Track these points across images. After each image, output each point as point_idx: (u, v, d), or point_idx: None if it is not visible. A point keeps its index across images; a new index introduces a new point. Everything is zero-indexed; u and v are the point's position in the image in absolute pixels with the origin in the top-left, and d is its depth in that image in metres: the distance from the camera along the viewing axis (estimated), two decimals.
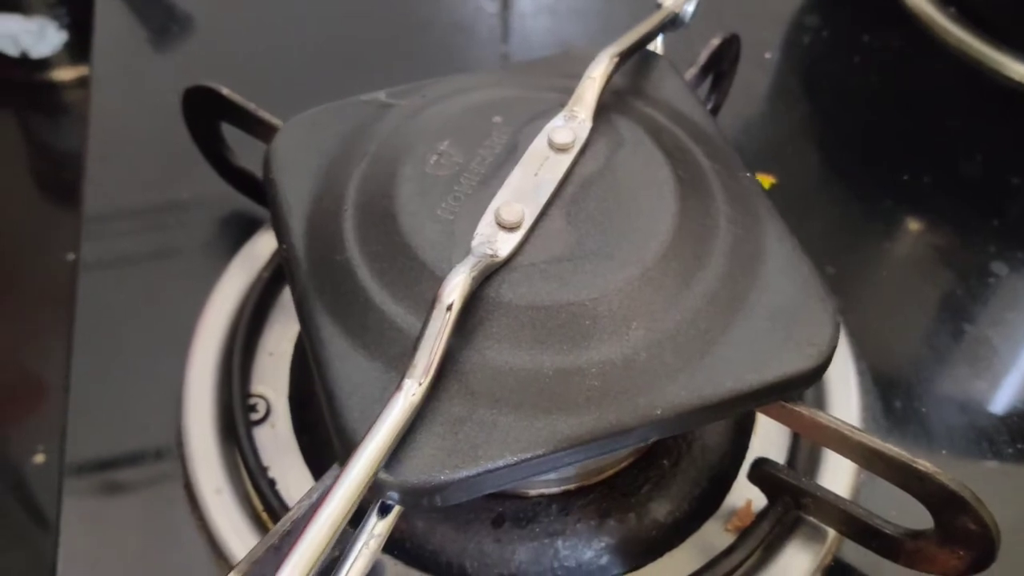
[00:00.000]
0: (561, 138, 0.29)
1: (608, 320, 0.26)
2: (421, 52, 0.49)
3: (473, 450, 0.24)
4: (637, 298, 0.27)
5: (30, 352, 0.54)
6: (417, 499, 0.25)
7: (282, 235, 0.30)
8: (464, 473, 0.24)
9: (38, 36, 0.62)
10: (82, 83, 0.66)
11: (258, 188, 0.39)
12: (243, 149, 0.38)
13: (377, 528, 0.26)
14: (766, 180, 0.42)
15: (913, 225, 0.42)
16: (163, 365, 0.35)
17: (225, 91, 0.36)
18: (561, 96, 0.31)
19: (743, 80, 0.42)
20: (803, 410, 0.27)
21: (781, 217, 0.30)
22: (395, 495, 0.25)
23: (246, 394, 0.34)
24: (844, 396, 0.35)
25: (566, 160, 0.29)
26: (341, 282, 0.28)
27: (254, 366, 0.36)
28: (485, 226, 0.27)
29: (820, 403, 0.35)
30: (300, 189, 0.30)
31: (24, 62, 0.63)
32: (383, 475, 0.24)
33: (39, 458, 0.48)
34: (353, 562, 0.25)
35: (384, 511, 0.26)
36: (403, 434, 0.24)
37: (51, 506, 0.47)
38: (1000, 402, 0.36)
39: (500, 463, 0.24)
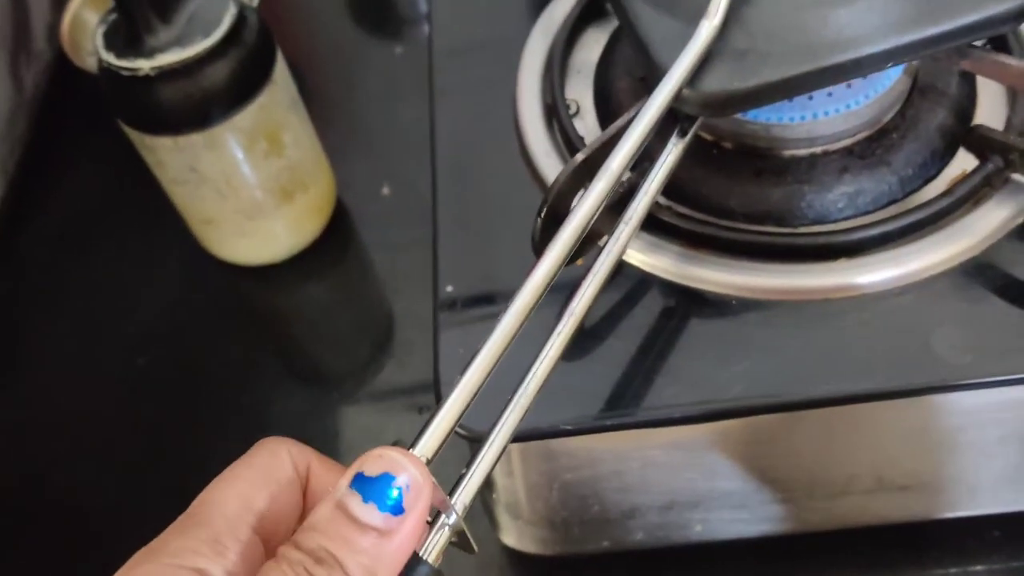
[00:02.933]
0: None
1: None
2: None
3: (754, 70, 0.34)
4: None
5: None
6: (711, 109, 0.35)
7: None
8: (748, 85, 0.34)
9: None
10: None
11: None
12: None
13: (677, 144, 0.36)
14: None
15: None
16: (500, 83, 0.47)
17: None
18: None
19: None
20: (1013, 60, 0.35)
21: None
22: (696, 105, 0.35)
23: (564, 95, 0.46)
24: None
25: None
26: None
27: (566, 81, 0.47)
28: None
29: None
30: None
31: None
32: (687, 91, 0.35)
33: (385, 191, 0.62)
34: (659, 168, 0.36)
35: (682, 133, 0.36)
36: (701, 62, 0.35)
37: (394, 229, 0.61)
38: None
39: (776, 79, 0.34)
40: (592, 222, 0.32)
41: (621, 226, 0.34)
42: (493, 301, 0.41)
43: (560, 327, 0.32)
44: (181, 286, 0.59)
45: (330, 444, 0.54)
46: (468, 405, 0.27)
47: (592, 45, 0.48)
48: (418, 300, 0.51)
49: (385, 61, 0.69)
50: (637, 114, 0.34)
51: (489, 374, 0.28)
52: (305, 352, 0.59)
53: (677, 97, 0.35)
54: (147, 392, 0.56)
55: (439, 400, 0.38)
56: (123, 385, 0.56)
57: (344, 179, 0.62)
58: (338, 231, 0.61)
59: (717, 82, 0.34)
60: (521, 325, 0.29)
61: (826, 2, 0.35)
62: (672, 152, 0.36)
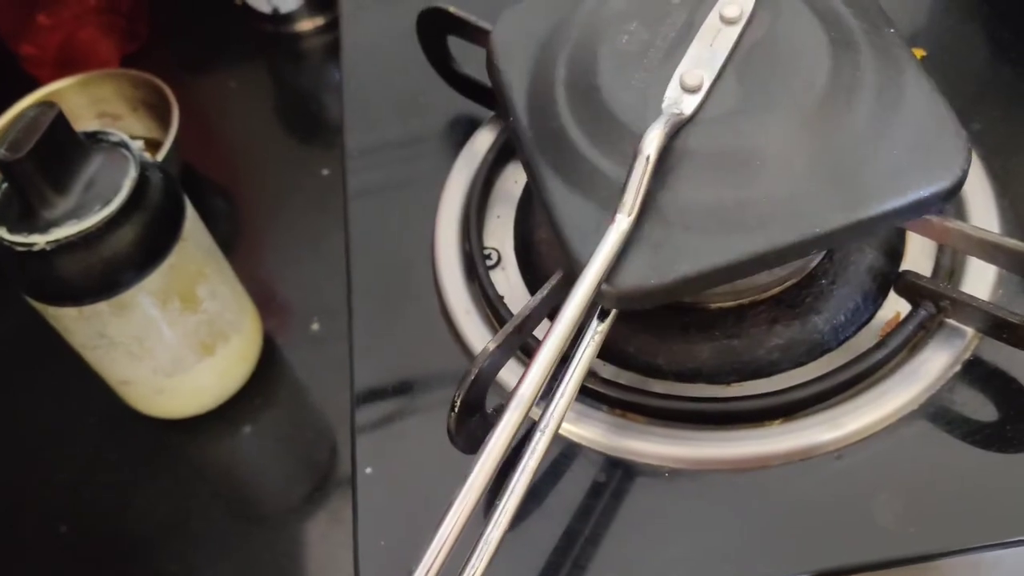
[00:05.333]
0: (730, 12, 0.36)
1: (775, 159, 0.33)
2: None
3: (671, 264, 0.32)
4: (798, 140, 0.34)
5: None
6: (630, 303, 0.33)
7: (508, 110, 0.39)
8: (665, 280, 0.32)
9: None
10: (318, 32, 0.78)
11: (478, 91, 0.48)
12: (465, 59, 0.48)
13: (599, 328, 0.34)
14: (918, 53, 0.47)
15: None
16: (418, 228, 0.45)
17: (452, 8, 0.45)
18: None
19: None
20: (938, 220, 0.34)
21: (921, 65, 0.36)
22: (613, 300, 0.33)
23: (482, 247, 0.44)
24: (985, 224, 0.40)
25: (735, 31, 0.36)
26: (559, 144, 0.36)
27: (486, 226, 0.45)
28: (672, 90, 0.35)
29: None
30: (518, 72, 0.39)
31: (273, 17, 0.76)
32: (605, 286, 0.32)
33: (315, 326, 0.60)
34: (582, 354, 0.34)
35: (602, 316, 0.34)
36: (617, 255, 0.32)
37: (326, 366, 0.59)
38: None
39: (692, 272, 0.32)
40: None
41: (549, 410, 0.32)
42: (416, 487, 0.38)
43: (495, 519, 0.30)
44: (102, 443, 0.56)
45: None
46: None
47: (511, 186, 0.46)
48: None
49: (313, 183, 0.67)
50: (556, 302, 0.33)
51: None
52: (240, 504, 0.56)
53: (594, 292, 0.32)
54: (71, 565, 0.53)
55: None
56: (44, 558, 0.53)
57: (272, 315, 0.59)
58: (269, 370, 0.58)
59: (633, 277, 0.32)
60: (458, 537, 0.29)
61: (744, 187, 0.33)
62: (593, 340, 0.34)
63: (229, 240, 0.68)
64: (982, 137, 0.43)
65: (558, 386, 0.33)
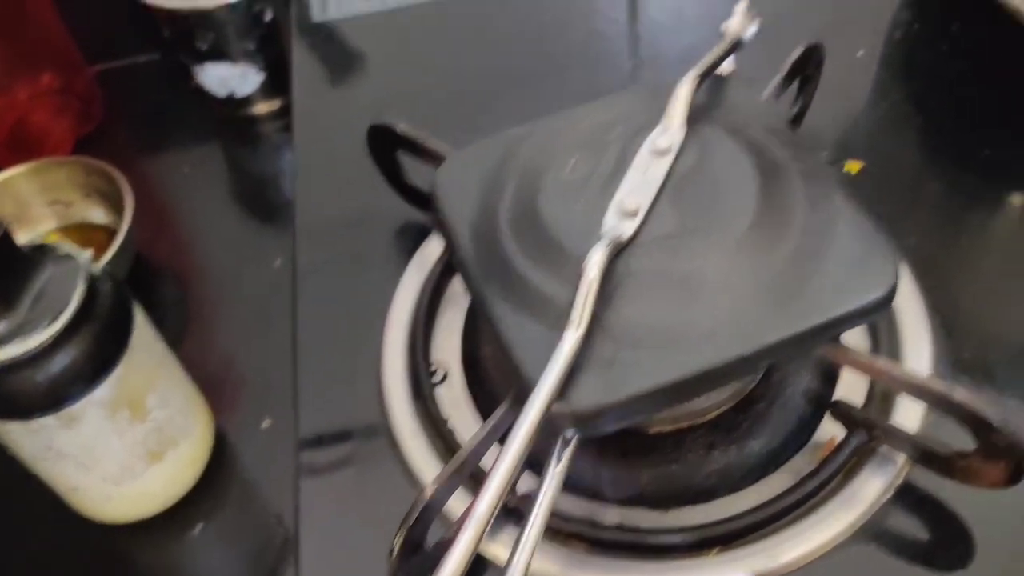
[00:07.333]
0: (661, 144, 0.38)
1: (713, 279, 0.35)
2: (559, 76, 0.57)
3: (622, 380, 0.33)
4: (733, 261, 0.35)
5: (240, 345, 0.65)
6: (584, 424, 0.33)
7: (452, 246, 0.39)
8: (618, 397, 0.32)
9: (241, 79, 0.75)
10: (274, 116, 0.78)
11: (428, 201, 0.49)
12: (415, 169, 0.48)
13: (557, 470, 0.34)
14: (855, 166, 0.49)
15: (992, 197, 0.48)
16: (365, 342, 0.45)
17: (400, 127, 0.46)
18: (658, 114, 0.39)
19: (837, 78, 0.49)
20: (867, 359, 0.35)
21: (847, 187, 0.37)
22: (568, 420, 0.33)
23: (428, 361, 0.44)
24: (917, 349, 0.41)
25: (667, 161, 0.38)
26: (505, 272, 0.37)
27: (433, 339, 0.45)
28: (611, 216, 0.36)
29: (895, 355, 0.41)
30: (462, 209, 0.39)
31: (229, 101, 0.76)
32: (556, 406, 0.32)
33: (266, 423, 0.60)
34: (546, 490, 0.33)
35: (559, 458, 0.34)
36: (567, 375, 0.33)
37: (277, 463, 0.59)
38: None
39: (644, 389, 0.32)
40: None
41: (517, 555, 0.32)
42: None
43: None
44: (52, 547, 0.56)
45: None
46: None
47: (461, 290, 0.47)
48: None
49: (266, 272, 0.67)
50: (503, 429, 0.33)
51: None
52: None
53: (547, 412, 0.33)
54: None
55: None
56: None
57: (223, 409, 0.59)
58: (220, 467, 0.58)
59: (586, 395, 0.32)
60: None
61: (686, 305, 0.34)
62: (556, 477, 0.33)
63: (181, 328, 0.68)
64: (917, 250, 0.45)
65: (518, 542, 0.32)
